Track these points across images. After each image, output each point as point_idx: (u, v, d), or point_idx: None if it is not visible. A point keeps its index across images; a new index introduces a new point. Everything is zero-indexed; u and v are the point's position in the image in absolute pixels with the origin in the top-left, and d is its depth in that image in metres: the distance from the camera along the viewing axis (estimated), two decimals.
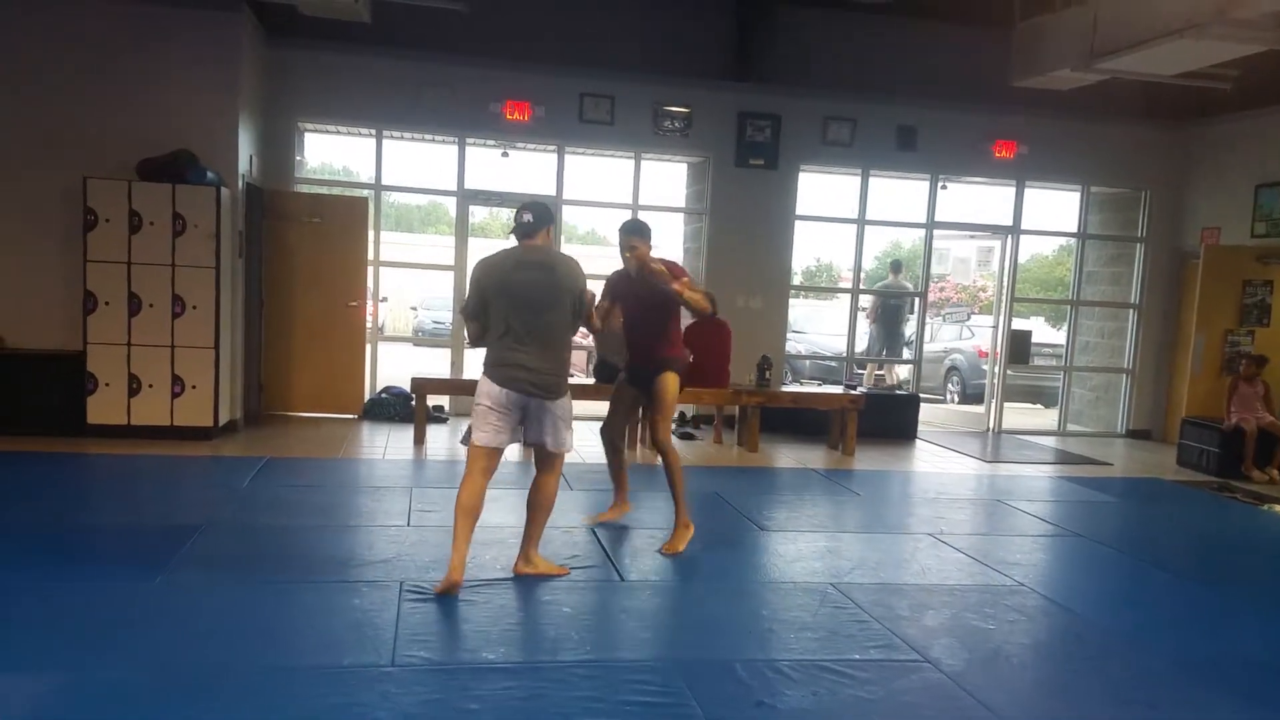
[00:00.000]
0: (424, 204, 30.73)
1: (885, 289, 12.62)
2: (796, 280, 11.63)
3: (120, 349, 7.39)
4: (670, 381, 5.44)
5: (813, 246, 25.48)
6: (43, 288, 7.66)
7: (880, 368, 12.39)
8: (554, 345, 4.45)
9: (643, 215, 9.96)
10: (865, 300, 11.72)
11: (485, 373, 4.46)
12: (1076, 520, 6.73)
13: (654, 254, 5.30)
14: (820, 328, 14.32)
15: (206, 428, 7.59)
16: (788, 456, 8.57)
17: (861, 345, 11.78)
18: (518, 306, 4.38)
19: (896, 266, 13.14)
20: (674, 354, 5.51)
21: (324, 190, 10.19)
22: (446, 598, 4.28)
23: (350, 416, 9.11)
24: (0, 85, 7.53)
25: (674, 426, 9.53)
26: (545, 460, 4.64)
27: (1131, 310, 10.94)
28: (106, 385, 7.40)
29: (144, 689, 3.30)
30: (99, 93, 7.64)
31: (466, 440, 4.52)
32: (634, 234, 5.29)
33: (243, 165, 8.08)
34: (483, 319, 4.47)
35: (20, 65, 7.55)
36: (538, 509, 4.69)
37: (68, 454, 6.96)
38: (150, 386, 7.45)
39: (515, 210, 4.60)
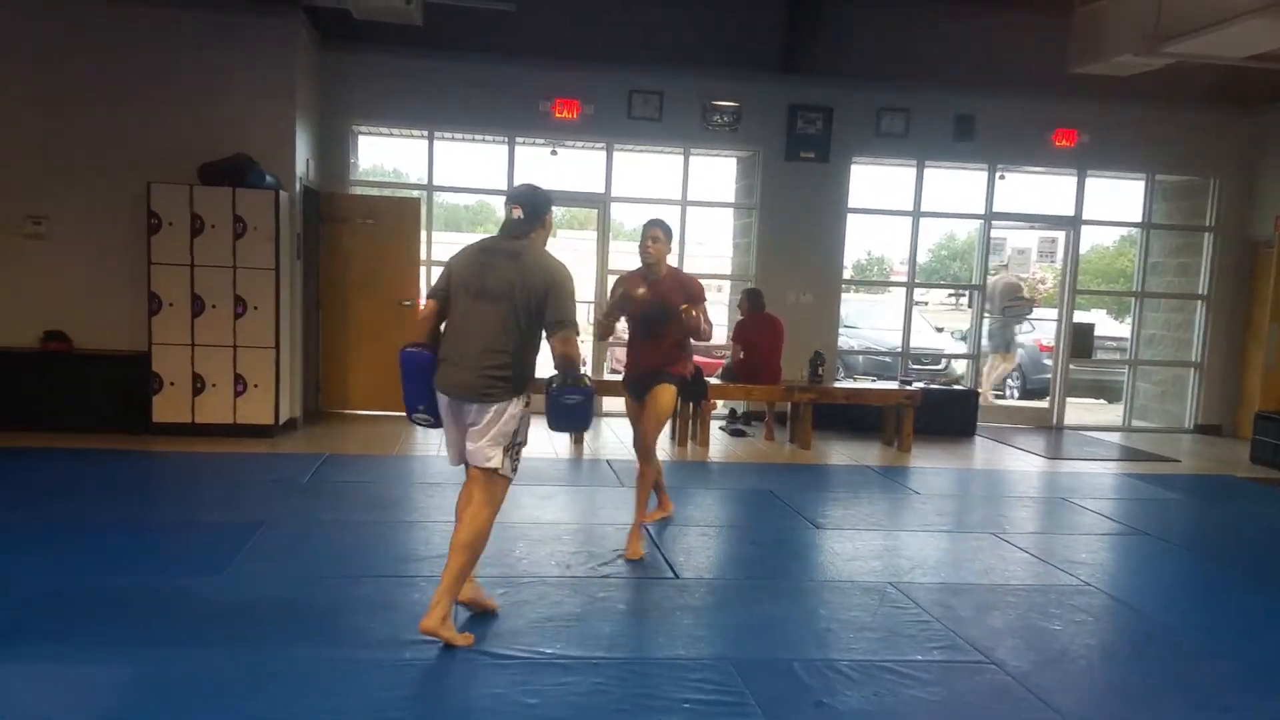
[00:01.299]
0: (471, 204, 30.93)
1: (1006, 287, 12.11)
2: (847, 274, 11.47)
3: (184, 349, 7.54)
4: (666, 394, 5.21)
5: (864, 240, 25.20)
6: (109, 290, 7.84)
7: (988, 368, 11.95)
8: (489, 341, 3.72)
9: (692, 211, 10.04)
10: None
11: None
12: (1143, 518, 6.56)
13: (672, 257, 5.27)
14: (873, 322, 14.14)
15: (268, 425, 7.71)
16: (841, 454, 8.47)
17: (917, 341, 11.58)
18: (466, 293, 3.79)
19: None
20: (675, 369, 5.24)
21: (376, 192, 10.30)
22: (500, 593, 4.28)
23: (405, 414, 9.17)
24: (67, 94, 7.72)
25: (724, 423, 9.51)
26: (475, 481, 3.85)
27: (1199, 302, 10.64)
28: (171, 384, 7.55)
29: (210, 681, 3.35)
30: (161, 100, 7.80)
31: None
32: (656, 227, 5.21)
33: (299, 168, 8.19)
34: (442, 305, 3.89)
35: (86, 75, 7.73)
36: (454, 549, 3.79)
37: (134, 451, 7.11)
38: (213, 386, 7.59)
39: (505, 201, 4.04)
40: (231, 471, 6.70)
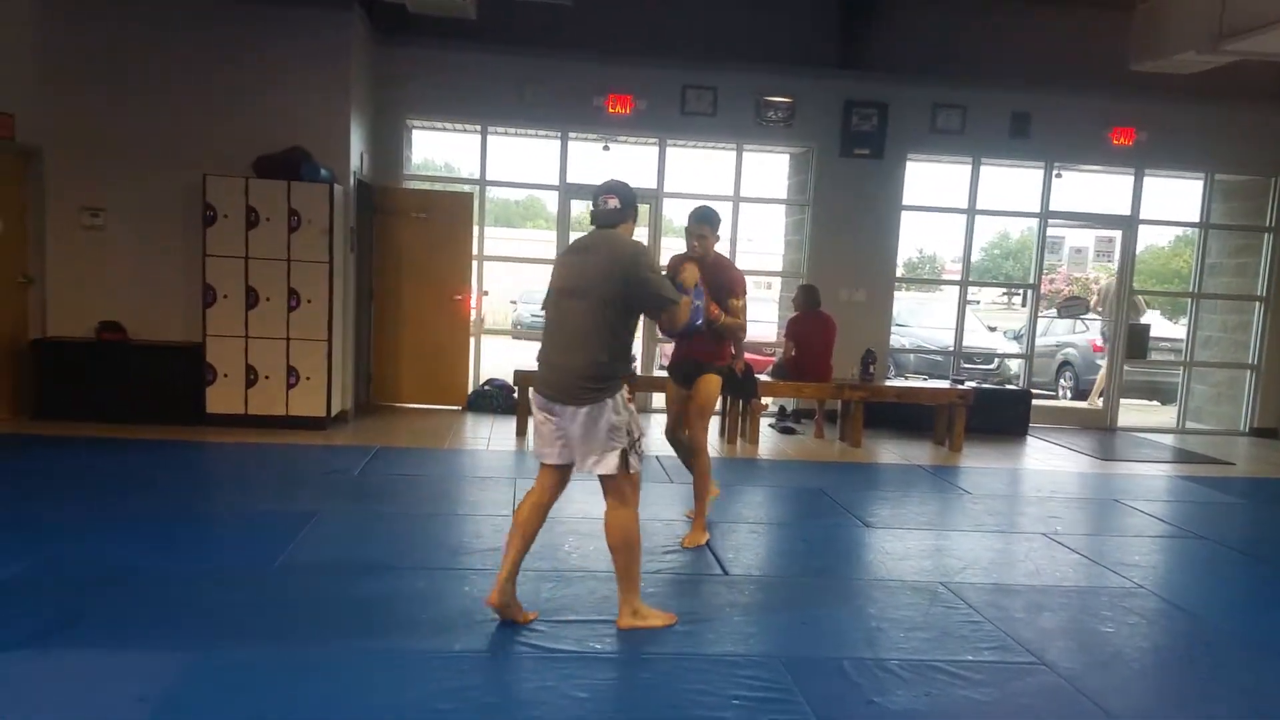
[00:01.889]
0: (522, 199, 31.15)
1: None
2: (900, 272, 11.37)
3: (238, 341, 7.66)
4: (711, 384, 5.26)
5: (915, 237, 25.03)
6: (164, 282, 8.00)
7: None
8: (577, 340, 3.72)
9: (744, 207, 10.00)
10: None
11: None
12: (1197, 521, 6.44)
13: (721, 247, 5.19)
14: (925, 320, 14.02)
15: (320, 418, 7.82)
16: (892, 453, 8.41)
17: (969, 339, 11.44)
18: (559, 293, 3.85)
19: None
20: (717, 358, 5.26)
21: (429, 186, 10.39)
22: (549, 588, 4.31)
23: (455, 408, 9.28)
24: (124, 89, 7.88)
25: (774, 420, 9.48)
26: (603, 487, 3.90)
27: (1258, 303, 10.40)
28: (225, 376, 7.68)
29: (264, 670, 3.41)
30: (217, 93, 7.94)
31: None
32: (704, 222, 5.05)
33: (354, 162, 8.29)
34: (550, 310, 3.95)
35: (144, 69, 7.89)
36: (613, 550, 3.93)
37: (188, 442, 7.25)
38: (266, 378, 7.71)
39: (594, 194, 3.97)
40: (284, 463, 6.80)
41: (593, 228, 3.95)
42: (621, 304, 3.75)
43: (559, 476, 3.95)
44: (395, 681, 3.35)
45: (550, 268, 4.16)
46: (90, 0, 7.83)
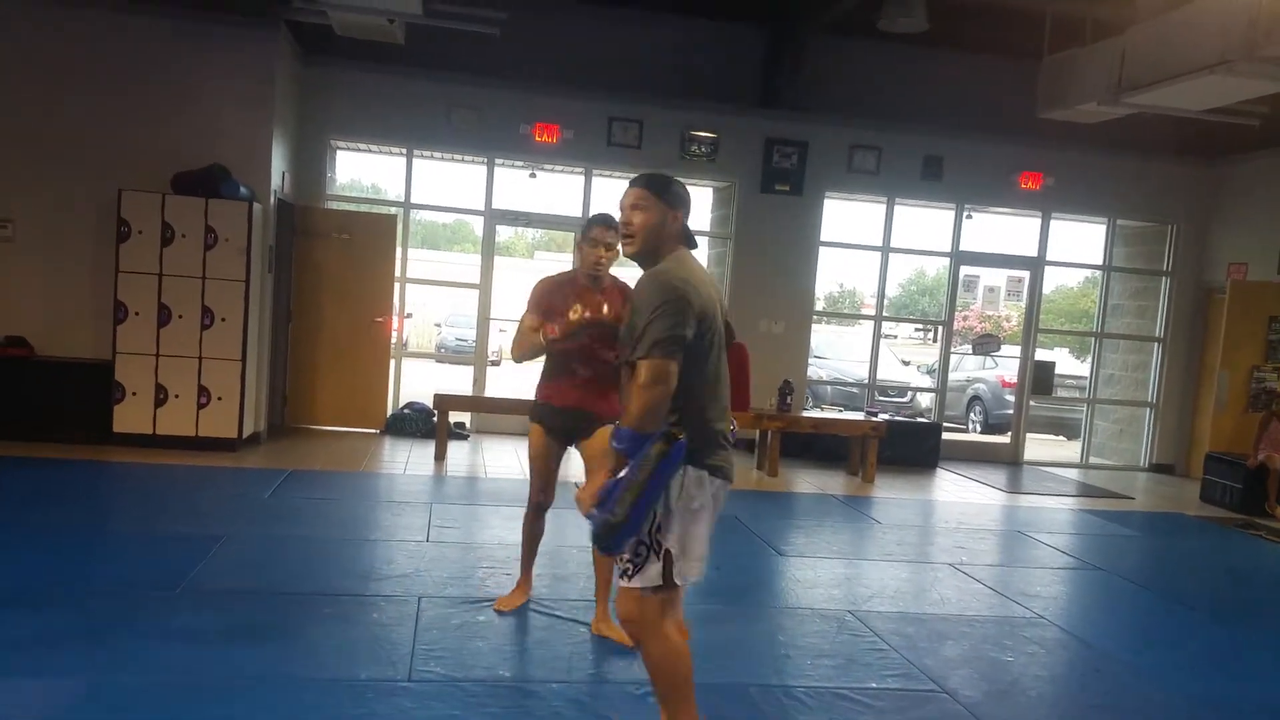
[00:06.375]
0: (449, 222, 31.00)
1: None
2: (819, 306, 11.61)
3: (149, 359, 7.48)
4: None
5: (836, 273, 25.57)
6: (74, 297, 7.78)
7: None
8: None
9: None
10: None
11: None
12: (1097, 554, 6.69)
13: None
14: (843, 353, 14.31)
15: (231, 439, 7.67)
16: (807, 482, 8.56)
17: (884, 373, 11.72)
18: (719, 346, 2.98)
19: None
20: (612, 408, 3.86)
21: (353, 207, 10.31)
22: (461, 615, 4.30)
23: (373, 431, 9.18)
24: (38, 97, 7.69)
25: None
26: None
27: (1156, 344, 10.88)
28: (134, 394, 7.49)
29: (163, 697, 3.33)
30: (136, 106, 7.78)
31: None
32: (612, 230, 3.95)
33: (275, 181, 8.19)
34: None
35: (58, 78, 7.70)
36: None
37: (93, 461, 7.04)
38: (176, 397, 7.54)
39: (679, 195, 2.97)
40: (192, 484, 6.64)
41: (682, 250, 2.99)
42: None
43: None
44: (299, 710, 3.30)
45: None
46: (5, 10, 7.63)
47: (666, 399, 2.73)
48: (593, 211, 9.07)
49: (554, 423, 4.18)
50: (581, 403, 4.09)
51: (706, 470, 2.84)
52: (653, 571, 2.84)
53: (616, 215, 3.08)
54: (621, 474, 2.76)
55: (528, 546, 4.52)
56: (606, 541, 2.76)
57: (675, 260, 2.90)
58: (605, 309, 4.03)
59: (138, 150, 7.75)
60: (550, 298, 4.12)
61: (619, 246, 3.41)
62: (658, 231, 2.91)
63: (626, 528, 2.73)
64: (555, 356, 4.13)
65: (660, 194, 2.92)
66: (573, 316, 3.99)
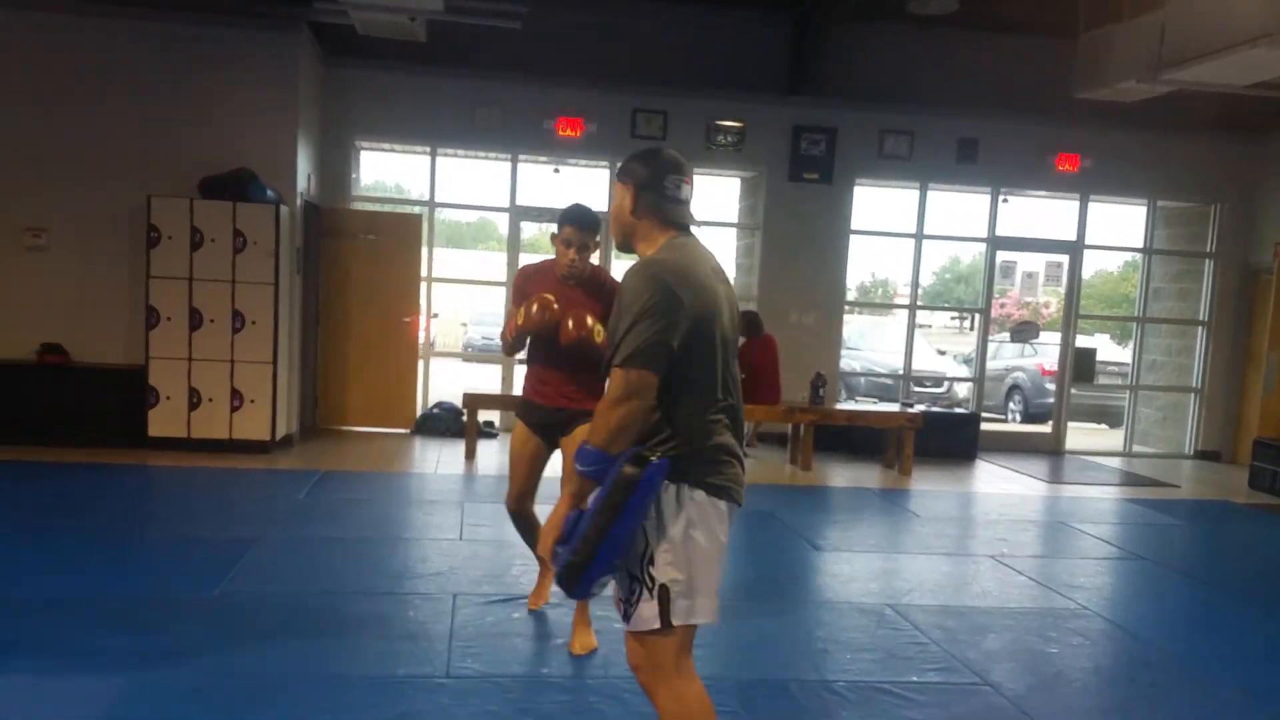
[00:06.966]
0: (473, 220, 31.08)
1: None
2: (851, 296, 11.47)
3: (181, 363, 7.52)
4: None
5: (867, 262, 25.32)
6: (107, 303, 7.83)
7: None
8: None
9: (694, 231, 9.99)
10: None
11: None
12: (1142, 544, 6.52)
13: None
14: (876, 344, 14.15)
15: (264, 441, 7.68)
16: (842, 476, 8.44)
17: (919, 363, 11.54)
18: (725, 343, 2.55)
19: None
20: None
21: (378, 208, 10.32)
22: (496, 612, 4.25)
23: (403, 431, 9.17)
24: (69, 106, 7.73)
25: None
26: None
27: (1200, 327, 10.62)
28: (167, 399, 7.53)
29: (203, 697, 3.32)
30: (164, 113, 7.81)
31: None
32: (592, 229, 3.86)
33: (301, 183, 8.20)
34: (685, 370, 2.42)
35: (88, 87, 7.74)
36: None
37: (129, 465, 7.08)
38: (210, 400, 7.57)
39: (677, 174, 2.55)
40: (226, 487, 6.66)
41: (677, 229, 2.58)
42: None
43: None
44: (338, 709, 3.28)
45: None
46: (35, 19, 7.70)
47: (641, 416, 2.34)
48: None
49: (533, 418, 4.01)
50: (558, 399, 3.90)
51: (705, 490, 2.46)
52: (648, 613, 2.40)
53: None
54: (589, 501, 2.39)
55: (530, 543, 4.25)
56: (569, 585, 2.38)
57: (670, 247, 2.49)
58: (570, 323, 3.69)
59: (165, 156, 7.78)
60: (526, 287, 3.93)
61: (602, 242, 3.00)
62: (619, 216, 2.58)
63: (593, 568, 2.34)
64: (534, 349, 3.95)
65: (619, 176, 2.61)
66: (519, 320, 3.75)
